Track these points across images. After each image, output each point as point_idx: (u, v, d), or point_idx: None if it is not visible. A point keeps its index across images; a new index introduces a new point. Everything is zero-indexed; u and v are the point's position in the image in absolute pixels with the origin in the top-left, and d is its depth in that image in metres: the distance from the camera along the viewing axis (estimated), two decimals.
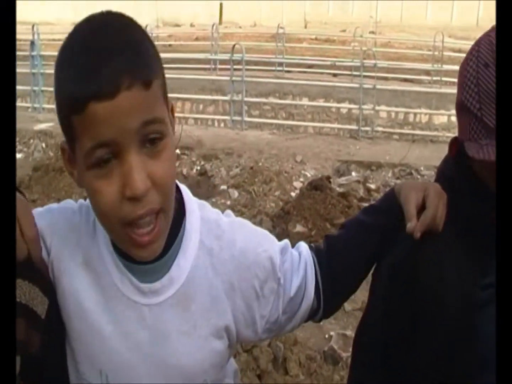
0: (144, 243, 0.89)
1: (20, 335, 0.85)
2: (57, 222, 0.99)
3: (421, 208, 1.06)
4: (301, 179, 6.98)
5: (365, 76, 9.77)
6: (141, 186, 0.83)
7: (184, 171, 7.36)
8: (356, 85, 9.68)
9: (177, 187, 1.00)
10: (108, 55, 0.81)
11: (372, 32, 22.08)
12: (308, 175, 7.14)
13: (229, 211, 1.11)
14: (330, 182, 6.34)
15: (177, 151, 7.70)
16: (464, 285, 1.05)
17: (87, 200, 1.00)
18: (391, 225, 1.12)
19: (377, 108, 9.28)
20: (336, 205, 5.60)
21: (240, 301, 1.04)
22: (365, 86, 9.23)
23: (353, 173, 7.31)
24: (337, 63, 12.84)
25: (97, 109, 0.80)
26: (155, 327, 0.97)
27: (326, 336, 3.87)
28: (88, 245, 0.98)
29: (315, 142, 8.51)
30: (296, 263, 1.11)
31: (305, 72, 13.44)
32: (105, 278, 0.97)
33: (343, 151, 8.06)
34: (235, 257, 1.02)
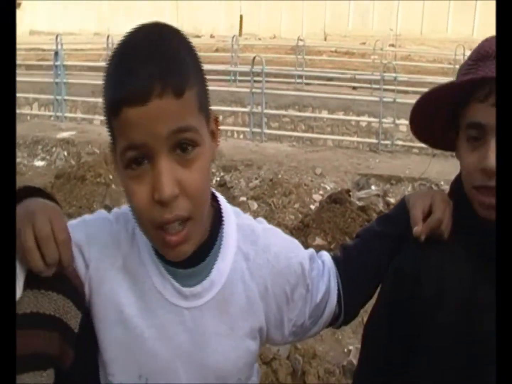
0: (172, 244, 0.91)
1: (55, 350, 0.87)
2: (94, 232, 1.01)
3: (428, 214, 1.12)
4: (321, 192, 6.97)
5: (385, 90, 9.75)
6: (168, 191, 0.86)
7: None
8: (376, 99, 9.66)
9: (214, 196, 1.04)
10: (142, 63, 0.85)
11: (392, 45, 22.06)
12: (328, 188, 7.13)
13: (261, 218, 1.15)
14: (349, 195, 6.32)
15: None
16: (464, 290, 1.09)
17: (122, 209, 1.05)
18: (401, 233, 1.17)
19: (397, 121, 9.24)
20: (356, 219, 5.58)
21: (272, 303, 1.08)
22: (385, 99, 9.22)
23: (373, 187, 7.28)
24: (357, 76, 12.84)
25: (130, 113, 0.84)
26: (195, 330, 1.00)
27: (345, 350, 3.85)
28: (128, 252, 1.00)
29: (335, 155, 8.50)
30: (321, 271, 1.17)
31: (324, 84, 13.45)
32: (146, 283, 0.99)
33: (363, 165, 8.04)
34: (270, 261, 1.06)
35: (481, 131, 1.07)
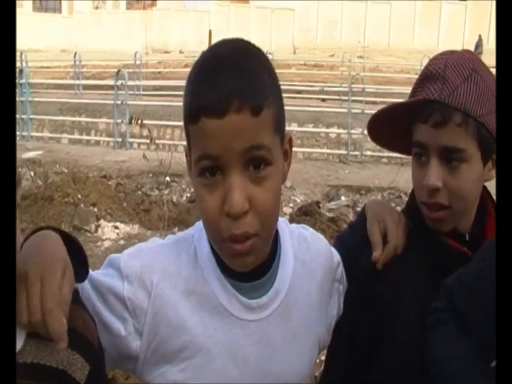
0: (236, 254, 0.92)
1: None
2: (154, 259, 1.01)
3: (384, 233, 1.16)
4: (291, 205, 6.99)
5: (353, 101, 9.87)
6: (238, 205, 0.87)
7: (174, 198, 7.36)
8: (345, 110, 9.77)
9: None
10: (225, 76, 0.86)
11: (360, 57, 22.37)
12: (298, 200, 7.15)
13: (304, 225, 1.19)
14: (319, 207, 6.35)
15: (167, 178, 7.71)
16: (420, 298, 1.11)
17: (179, 234, 1.06)
18: (363, 238, 1.21)
19: (365, 132, 9.28)
20: (326, 230, 5.60)
21: (325, 305, 1.12)
22: (354, 110, 9.31)
23: (343, 198, 7.33)
24: (325, 88, 12.97)
25: (207, 124, 0.86)
26: (261, 341, 1.01)
27: (318, 361, 3.83)
28: (190, 273, 1.00)
29: (305, 168, 8.54)
30: None
31: (294, 97, 13.55)
32: (211, 301, 0.99)
33: (333, 176, 8.10)
34: (322, 264, 1.11)
35: (424, 149, 1.12)
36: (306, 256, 1.09)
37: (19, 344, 0.80)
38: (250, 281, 0.99)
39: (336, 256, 1.17)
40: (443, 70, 1.11)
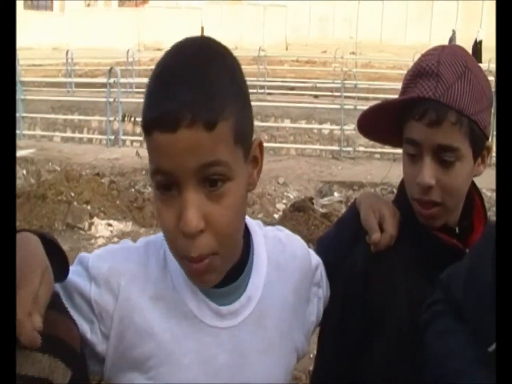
0: (194, 273, 0.89)
1: None
2: (122, 261, 0.97)
3: (379, 224, 1.16)
4: (284, 201, 7.00)
5: (346, 97, 9.87)
6: (192, 224, 0.82)
7: None
8: (337, 106, 9.77)
9: None
10: (176, 87, 0.81)
11: (353, 53, 22.38)
12: (291, 196, 7.16)
13: (280, 226, 1.15)
14: (312, 203, 6.36)
15: None
16: (412, 290, 1.11)
17: (150, 237, 1.02)
18: (354, 234, 1.20)
19: None
20: (319, 226, 5.62)
21: (302, 310, 1.08)
22: (346, 107, 9.32)
23: (336, 194, 7.35)
24: (318, 85, 12.97)
25: (159, 138, 0.81)
26: (234, 350, 0.97)
27: (311, 356, 3.85)
28: (159, 278, 0.96)
29: (298, 164, 8.55)
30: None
31: (286, 94, 13.57)
32: (180, 308, 0.95)
33: (325, 172, 8.11)
34: (298, 267, 1.06)
35: (417, 147, 1.11)
36: (281, 258, 1.04)
37: None
38: (221, 286, 0.94)
39: (315, 259, 1.13)
40: (437, 67, 1.09)
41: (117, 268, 0.95)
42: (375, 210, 1.18)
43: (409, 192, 1.16)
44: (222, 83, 0.84)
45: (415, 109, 1.10)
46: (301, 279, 1.07)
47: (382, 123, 1.19)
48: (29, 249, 0.85)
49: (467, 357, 0.85)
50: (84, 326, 0.94)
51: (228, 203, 0.85)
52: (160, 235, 0.99)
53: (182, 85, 0.81)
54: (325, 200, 7.05)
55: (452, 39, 21.25)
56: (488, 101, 1.12)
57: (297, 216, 5.78)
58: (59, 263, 0.89)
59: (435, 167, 1.10)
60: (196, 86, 0.81)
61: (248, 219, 1.02)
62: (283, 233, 1.11)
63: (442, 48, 1.15)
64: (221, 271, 0.91)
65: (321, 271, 1.15)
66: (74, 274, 0.95)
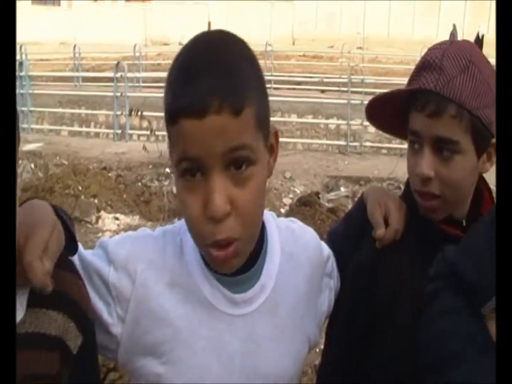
0: (219, 260, 0.90)
1: (53, 370, 0.86)
2: (140, 248, 0.99)
3: (385, 217, 1.17)
4: (291, 196, 7.00)
5: (352, 92, 9.85)
6: (220, 208, 0.84)
7: (174, 189, 7.37)
8: (344, 101, 9.76)
9: None
10: (203, 76, 0.83)
11: (360, 48, 22.30)
12: (298, 191, 7.16)
13: (293, 218, 1.17)
14: (319, 197, 6.37)
15: (167, 169, 7.72)
16: (419, 287, 1.11)
17: (167, 226, 1.05)
18: (361, 230, 1.21)
19: (365, 123, 9.32)
20: (325, 220, 5.62)
21: (314, 300, 1.10)
22: (353, 101, 9.30)
23: (342, 188, 7.34)
24: (325, 80, 12.94)
25: (187, 125, 0.83)
26: (247, 337, 0.99)
27: (317, 350, 3.86)
28: (175, 266, 0.98)
29: (304, 159, 8.55)
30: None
31: (293, 89, 13.54)
32: (195, 295, 0.97)
33: (332, 167, 8.11)
34: (310, 258, 1.09)
35: (418, 138, 1.12)
36: (294, 249, 1.07)
37: (21, 314, 0.82)
38: (235, 275, 0.96)
39: (326, 250, 1.15)
40: (440, 60, 1.11)
41: (135, 254, 0.98)
42: (381, 204, 1.19)
43: (411, 184, 1.18)
44: (245, 71, 0.87)
45: (417, 100, 1.11)
46: (313, 269, 1.09)
47: (389, 114, 1.21)
48: (40, 208, 0.88)
49: (467, 341, 0.86)
50: (100, 305, 0.96)
51: (253, 187, 0.87)
52: (177, 224, 1.03)
53: (208, 73, 0.83)
54: (331, 195, 7.05)
55: (453, 33, 21.10)
56: (493, 97, 1.11)
57: (304, 210, 5.78)
58: (68, 237, 0.91)
59: (434, 159, 1.11)
60: (222, 73, 0.84)
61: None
62: (296, 224, 1.13)
63: (450, 42, 1.16)
64: (244, 256, 0.93)
65: (332, 262, 1.17)
66: (95, 256, 0.98)
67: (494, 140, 1.14)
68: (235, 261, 0.91)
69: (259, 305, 0.99)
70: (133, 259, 0.97)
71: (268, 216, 1.06)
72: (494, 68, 1.06)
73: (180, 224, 1.01)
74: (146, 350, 0.97)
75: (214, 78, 0.83)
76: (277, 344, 1.02)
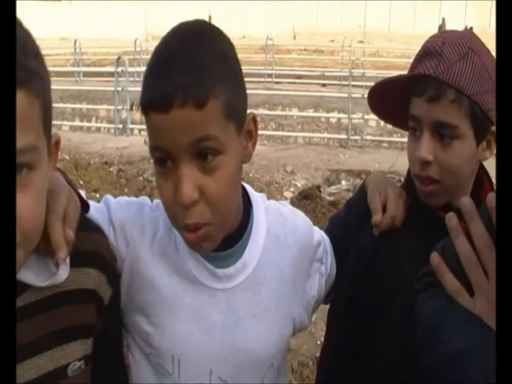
0: (190, 242, 0.96)
1: (93, 320, 0.96)
2: (137, 214, 1.06)
3: (384, 205, 1.19)
4: (292, 189, 7.01)
5: (353, 86, 9.84)
6: (187, 196, 0.89)
7: None
8: (345, 95, 9.74)
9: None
10: (169, 71, 0.88)
11: (361, 42, 22.24)
12: (299, 185, 7.17)
13: (283, 201, 1.21)
14: (320, 191, 6.38)
15: None
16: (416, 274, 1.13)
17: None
18: (362, 217, 1.23)
19: (366, 117, 9.33)
20: (327, 214, 5.63)
21: (301, 283, 1.12)
22: (354, 95, 9.30)
23: (343, 182, 7.36)
24: (325, 73, 12.92)
25: (155, 118, 0.89)
26: (229, 311, 1.03)
27: (318, 342, 3.88)
28: (165, 236, 1.04)
29: (305, 152, 8.55)
30: (327, 244, 1.24)
31: (294, 83, 13.52)
32: (181, 266, 1.03)
33: (333, 160, 8.11)
34: (297, 241, 1.11)
35: (418, 123, 1.14)
36: (281, 231, 1.10)
37: (65, 274, 0.89)
38: (218, 251, 1.01)
39: (318, 236, 1.17)
40: (440, 47, 1.13)
41: (132, 219, 1.05)
42: (381, 191, 1.21)
43: (411, 169, 1.19)
44: (211, 65, 0.90)
45: (417, 86, 1.13)
46: (301, 252, 1.12)
47: (390, 102, 1.22)
48: (54, 178, 0.92)
49: (457, 315, 0.86)
50: None
51: (220, 175, 0.92)
52: None
53: (174, 69, 0.87)
54: (332, 189, 7.06)
55: (441, 26, 21.00)
56: (493, 84, 1.13)
57: (305, 204, 5.79)
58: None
59: (433, 143, 1.12)
60: (186, 69, 0.88)
61: (251, 191, 1.09)
62: (286, 207, 1.16)
63: (451, 31, 1.18)
64: (215, 240, 0.97)
65: (325, 248, 1.19)
66: (98, 211, 1.05)
67: (493, 128, 1.15)
68: (205, 244, 0.96)
69: (240, 281, 1.04)
70: (130, 223, 1.04)
71: (257, 197, 1.10)
72: (494, 57, 1.07)
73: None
74: (138, 308, 1.04)
75: (179, 73, 0.87)
76: (259, 321, 1.05)
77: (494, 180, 1.12)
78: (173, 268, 1.03)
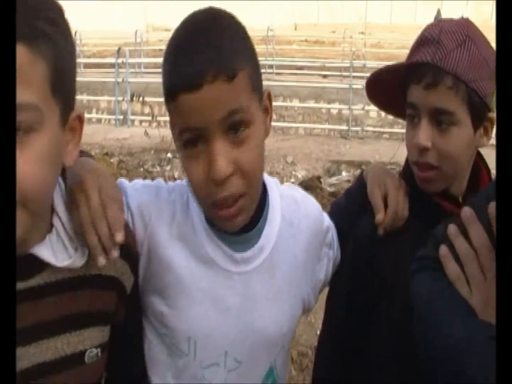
0: (225, 217, 0.98)
1: (113, 307, 0.98)
2: (155, 198, 1.07)
3: (385, 198, 1.19)
4: (292, 180, 7.01)
5: (354, 77, 9.82)
6: (223, 170, 0.91)
7: (176, 174, 7.38)
8: (346, 86, 9.72)
9: None
10: (195, 51, 0.90)
11: (362, 33, 22.14)
12: (299, 175, 7.17)
13: (295, 186, 1.23)
14: (320, 182, 6.38)
15: (169, 154, 7.73)
16: None
17: (177, 182, 1.12)
18: (361, 206, 1.24)
19: (366, 108, 9.31)
20: (327, 205, 5.61)
21: (312, 267, 1.15)
22: (355, 86, 9.27)
23: (344, 173, 7.35)
24: (326, 64, 12.89)
25: (185, 99, 0.90)
26: (244, 294, 1.05)
27: (317, 332, 3.90)
28: (182, 220, 1.06)
29: (306, 143, 8.54)
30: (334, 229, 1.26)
31: (295, 74, 13.48)
32: (198, 249, 1.04)
33: (334, 151, 8.10)
34: (309, 227, 1.14)
35: (416, 110, 1.15)
36: (294, 217, 1.12)
37: (84, 259, 0.91)
38: (236, 235, 1.03)
39: (327, 221, 1.19)
40: (438, 35, 1.13)
41: (149, 201, 1.06)
42: (380, 185, 1.21)
43: (409, 156, 1.20)
44: (234, 41, 0.94)
45: (415, 74, 1.14)
46: (312, 238, 1.14)
47: (388, 90, 1.23)
48: (100, 166, 0.97)
49: (451, 300, 0.87)
50: None
51: (252, 146, 0.94)
52: (183, 181, 1.09)
53: (199, 47, 0.90)
54: (333, 179, 7.06)
55: (437, 17, 20.94)
56: (490, 71, 1.14)
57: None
58: None
59: (431, 129, 1.13)
60: (211, 45, 0.90)
61: (266, 176, 1.11)
62: (299, 193, 1.18)
63: (448, 20, 1.19)
64: (248, 214, 1.00)
65: (333, 234, 1.21)
66: None
67: (491, 114, 1.16)
68: (240, 218, 0.98)
69: (257, 265, 1.06)
70: (147, 207, 1.05)
71: (271, 182, 1.12)
72: (491, 44, 1.07)
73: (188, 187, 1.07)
74: (155, 289, 1.05)
75: (205, 51, 0.90)
76: (273, 303, 1.08)
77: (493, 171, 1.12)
78: (191, 251, 1.04)
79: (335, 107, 10.38)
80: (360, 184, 1.28)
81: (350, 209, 1.29)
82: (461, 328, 0.83)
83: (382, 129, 9.17)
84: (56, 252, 0.88)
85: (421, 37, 1.17)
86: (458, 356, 0.80)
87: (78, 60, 14.38)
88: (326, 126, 10.05)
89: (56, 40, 0.79)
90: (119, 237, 0.90)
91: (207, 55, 0.89)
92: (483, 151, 1.26)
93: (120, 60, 10.23)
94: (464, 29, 1.15)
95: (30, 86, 0.75)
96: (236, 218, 0.98)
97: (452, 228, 0.93)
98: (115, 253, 0.91)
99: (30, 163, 0.76)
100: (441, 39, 1.13)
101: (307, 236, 1.13)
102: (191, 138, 0.93)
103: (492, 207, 0.85)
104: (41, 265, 0.88)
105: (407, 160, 1.24)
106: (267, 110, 1.02)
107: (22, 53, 0.73)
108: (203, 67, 0.88)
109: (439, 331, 0.85)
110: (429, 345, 0.87)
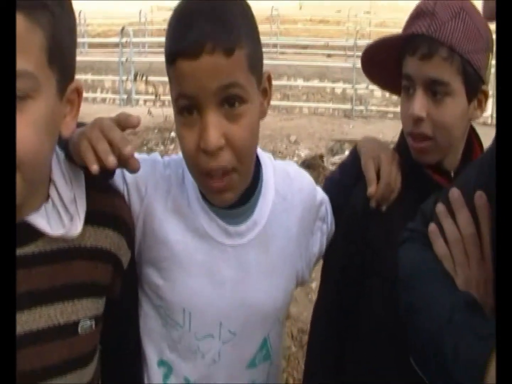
0: (215, 190, 0.98)
1: (108, 280, 0.98)
2: (151, 171, 1.07)
3: (379, 170, 1.20)
4: (295, 159, 7.01)
5: (359, 56, 9.74)
6: (213, 141, 0.92)
7: (179, 153, 7.39)
8: (350, 65, 9.68)
9: None
10: (198, 20, 0.91)
11: (367, 12, 21.94)
12: (302, 155, 7.17)
13: (290, 161, 1.23)
14: (323, 161, 6.39)
15: (172, 133, 7.74)
16: None
17: (172, 156, 1.13)
18: (356, 177, 1.25)
19: (371, 87, 9.26)
20: None
21: (305, 241, 1.16)
22: (359, 65, 9.20)
23: (347, 152, 7.32)
24: (330, 43, 12.81)
25: (183, 65, 0.91)
26: (239, 267, 1.06)
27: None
28: (177, 193, 1.06)
29: (310, 122, 8.52)
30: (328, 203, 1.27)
31: (299, 53, 13.42)
32: (193, 222, 1.05)
33: (337, 131, 8.09)
34: (303, 201, 1.14)
35: (411, 81, 1.16)
36: (288, 191, 1.12)
37: (79, 228, 0.91)
38: (230, 208, 1.04)
39: (320, 195, 1.20)
40: (433, 7, 1.15)
41: (146, 175, 1.06)
42: (374, 158, 1.22)
43: (404, 127, 1.21)
44: (237, 18, 0.94)
45: (410, 45, 1.16)
46: (305, 212, 1.14)
47: (383, 64, 1.24)
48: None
49: (437, 266, 0.90)
50: None
51: (245, 123, 0.95)
52: (179, 155, 1.08)
53: (202, 18, 0.91)
54: (336, 158, 7.07)
55: None
56: (484, 44, 1.16)
57: (308, 173, 5.80)
58: None
59: (426, 100, 1.15)
60: (214, 18, 0.92)
61: (260, 151, 1.11)
62: (292, 167, 1.18)
63: None
64: (237, 191, 1.00)
65: (326, 207, 1.21)
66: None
67: (484, 87, 1.18)
68: (228, 194, 0.99)
69: (251, 239, 1.07)
70: (144, 180, 1.06)
71: (265, 158, 1.12)
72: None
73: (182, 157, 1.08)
74: (150, 261, 1.07)
75: (208, 23, 0.91)
76: (267, 276, 1.09)
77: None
78: (186, 224, 1.05)
79: (339, 86, 10.35)
80: (354, 157, 1.28)
81: (345, 182, 1.29)
82: (443, 293, 0.85)
83: (386, 109, 9.14)
84: (51, 221, 0.89)
85: (416, 10, 1.18)
86: (437, 321, 0.82)
87: (83, 40, 14.41)
88: (330, 105, 10.03)
89: (54, 11, 0.80)
90: (128, 149, 0.90)
91: (209, 26, 0.90)
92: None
93: (124, 40, 10.20)
94: (459, 2, 1.16)
95: (26, 54, 0.76)
96: (225, 193, 0.98)
97: (440, 207, 0.94)
98: (112, 160, 0.89)
99: (26, 128, 0.77)
100: (436, 11, 1.14)
101: (300, 210, 1.13)
102: (186, 105, 0.94)
103: (478, 196, 0.87)
104: (36, 234, 0.88)
105: (402, 133, 1.25)
106: (265, 92, 1.02)
107: (19, 21, 0.75)
108: (204, 37, 0.89)
109: (421, 297, 0.88)
110: (411, 309, 0.89)
